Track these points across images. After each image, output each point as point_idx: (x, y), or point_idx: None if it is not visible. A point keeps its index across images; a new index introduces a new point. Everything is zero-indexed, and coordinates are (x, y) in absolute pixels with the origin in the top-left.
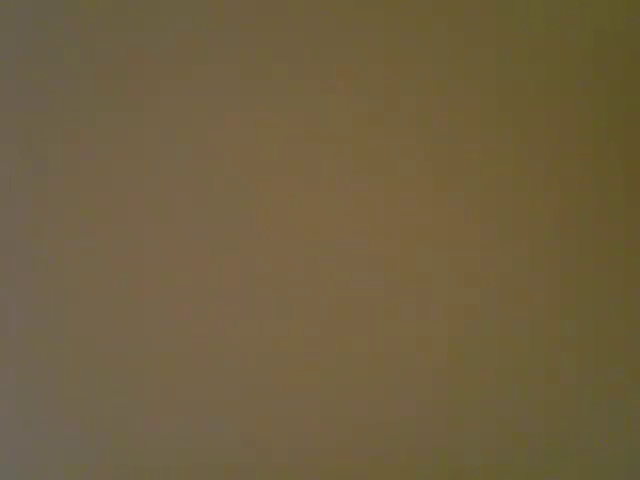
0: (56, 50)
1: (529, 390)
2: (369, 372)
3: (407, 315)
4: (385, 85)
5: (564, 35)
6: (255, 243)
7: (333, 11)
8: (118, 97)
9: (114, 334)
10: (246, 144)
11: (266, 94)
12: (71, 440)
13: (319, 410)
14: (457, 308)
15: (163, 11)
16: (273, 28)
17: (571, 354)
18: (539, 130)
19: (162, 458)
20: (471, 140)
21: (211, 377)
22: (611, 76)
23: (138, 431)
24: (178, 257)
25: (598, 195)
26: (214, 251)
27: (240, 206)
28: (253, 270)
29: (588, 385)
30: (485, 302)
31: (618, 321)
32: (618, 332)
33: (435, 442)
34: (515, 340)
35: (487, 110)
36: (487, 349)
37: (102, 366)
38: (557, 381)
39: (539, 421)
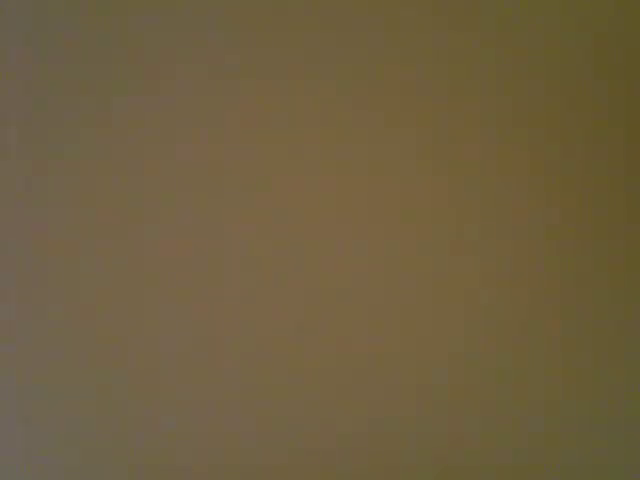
0: (56, 50)
1: (529, 390)
2: (369, 372)
3: (408, 315)
4: (385, 85)
5: (564, 36)
6: (256, 243)
7: (334, 10)
8: (118, 97)
9: (114, 333)
10: (246, 143)
11: (265, 94)
12: (71, 439)
13: (319, 410)
14: (457, 308)
15: (164, 9)
16: (274, 27)
17: (571, 354)
18: (539, 130)
19: (162, 458)
20: (471, 142)
21: (211, 377)
22: (612, 76)
23: (138, 431)
24: (178, 257)
25: (599, 195)
26: (214, 250)
27: (241, 206)
28: (254, 269)
29: (588, 385)
30: (485, 302)
31: (618, 321)
32: (618, 332)
33: (435, 442)
34: (515, 340)
35: (487, 112)
36: (487, 349)
37: (102, 366)
38: (557, 381)
39: (539, 421)
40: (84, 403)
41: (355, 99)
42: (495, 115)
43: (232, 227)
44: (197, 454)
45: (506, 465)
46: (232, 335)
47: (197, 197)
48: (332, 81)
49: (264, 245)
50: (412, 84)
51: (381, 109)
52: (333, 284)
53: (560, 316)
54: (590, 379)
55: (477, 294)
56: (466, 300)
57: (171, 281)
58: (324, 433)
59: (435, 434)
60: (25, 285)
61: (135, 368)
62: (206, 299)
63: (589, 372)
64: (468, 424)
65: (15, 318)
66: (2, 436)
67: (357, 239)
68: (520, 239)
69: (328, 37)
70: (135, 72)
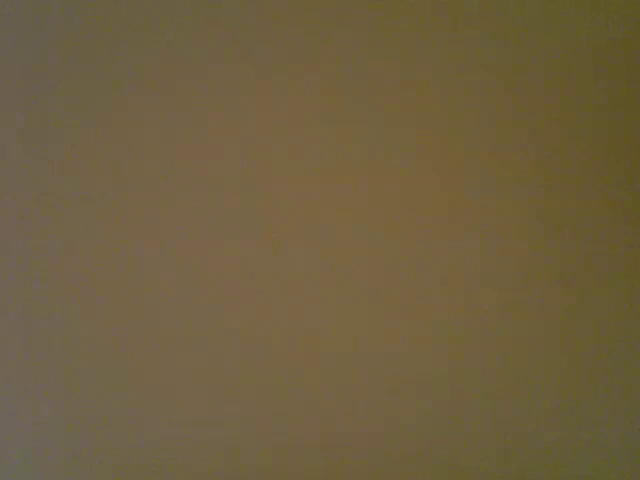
0: (56, 50)
1: (529, 390)
2: (369, 371)
3: (408, 315)
4: (386, 85)
5: (564, 35)
6: (255, 242)
7: (335, 11)
8: (119, 97)
9: (114, 332)
10: (246, 143)
11: (264, 94)
12: (71, 439)
13: (319, 410)
14: (457, 309)
15: (164, 9)
16: (273, 28)
17: (571, 354)
18: (539, 131)
19: (162, 457)
20: (472, 141)
21: (211, 376)
22: (611, 75)
23: (138, 430)
24: (178, 256)
25: (599, 195)
26: (215, 248)
27: (242, 203)
28: (254, 268)
29: (588, 385)
30: (486, 302)
31: (618, 321)
32: (618, 332)
33: (435, 442)
34: (515, 340)
35: (487, 111)
36: (487, 350)
37: (102, 365)
38: (557, 381)
39: (539, 421)
40: (84, 402)
41: (355, 99)
42: (495, 115)
43: (232, 227)
44: (197, 454)
45: (506, 465)
46: (232, 335)
47: (197, 197)
48: (332, 81)
49: (264, 244)
50: (412, 84)
51: (381, 109)
52: (333, 284)
53: (560, 316)
54: (590, 379)
55: (477, 294)
56: (466, 300)
57: (171, 281)
58: (324, 432)
59: (435, 434)
60: (25, 285)
61: (134, 368)
62: (206, 299)
63: (589, 372)
64: (468, 424)
65: (15, 318)
66: (2, 434)
67: (357, 239)
68: (520, 238)
69: (328, 37)
70: (135, 72)
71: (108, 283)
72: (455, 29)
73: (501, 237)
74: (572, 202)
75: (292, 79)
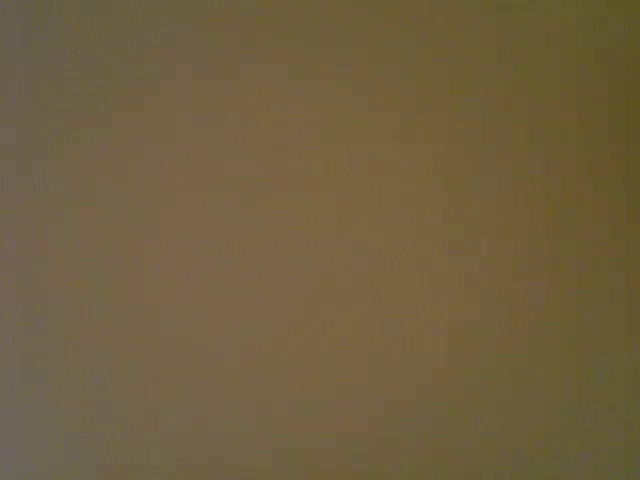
0: (56, 50)
1: (529, 390)
2: (369, 371)
3: (407, 315)
4: (385, 85)
5: (564, 36)
6: (256, 242)
7: (332, 11)
8: (117, 97)
9: (113, 333)
10: (246, 144)
11: (265, 95)
12: (72, 439)
13: (319, 410)
14: (457, 309)
15: (164, 9)
16: (273, 28)
17: (571, 354)
18: (539, 130)
19: (161, 457)
20: (471, 140)
21: (211, 377)
22: (612, 75)
23: (138, 430)
24: (178, 257)
25: (599, 195)
26: (215, 249)
27: (243, 203)
28: (253, 269)
29: (588, 385)
30: (486, 302)
31: (618, 321)
32: (618, 332)
33: (435, 443)
34: (515, 341)
35: (487, 112)
36: (487, 350)
37: (102, 366)
38: (557, 381)
39: (539, 421)
40: (84, 402)
41: (355, 100)
42: (495, 115)
43: (232, 226)
44: (197, 454)
45: (506, 465)
46: (232, 335)
47: (197, 197)
48: (333, 82)
49: (264, 244)
50: (412, 83)
51: (381, 110)
52: (333, 284)
53: (560, 316)
54: (590, 379)
55: (477, 295)
56: (466, 300)
57: (171, 281)
58: (324, 432)
59: (434, 435)
60: (25, 285)
61: (135, 368)
62: (206, 299)
63: (589, 372)
64: (468, 424)
65: (15, 318)
66: (2, 432)
67: (357, 239)
68: (520, 239)
69: (328, 39)
70: (135, 72)
71: (109, 283)
72: (456, 29)
73: (502, 237)
74: (572, 202)
75: (293, 79)
